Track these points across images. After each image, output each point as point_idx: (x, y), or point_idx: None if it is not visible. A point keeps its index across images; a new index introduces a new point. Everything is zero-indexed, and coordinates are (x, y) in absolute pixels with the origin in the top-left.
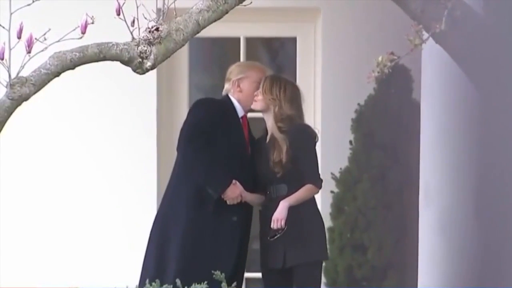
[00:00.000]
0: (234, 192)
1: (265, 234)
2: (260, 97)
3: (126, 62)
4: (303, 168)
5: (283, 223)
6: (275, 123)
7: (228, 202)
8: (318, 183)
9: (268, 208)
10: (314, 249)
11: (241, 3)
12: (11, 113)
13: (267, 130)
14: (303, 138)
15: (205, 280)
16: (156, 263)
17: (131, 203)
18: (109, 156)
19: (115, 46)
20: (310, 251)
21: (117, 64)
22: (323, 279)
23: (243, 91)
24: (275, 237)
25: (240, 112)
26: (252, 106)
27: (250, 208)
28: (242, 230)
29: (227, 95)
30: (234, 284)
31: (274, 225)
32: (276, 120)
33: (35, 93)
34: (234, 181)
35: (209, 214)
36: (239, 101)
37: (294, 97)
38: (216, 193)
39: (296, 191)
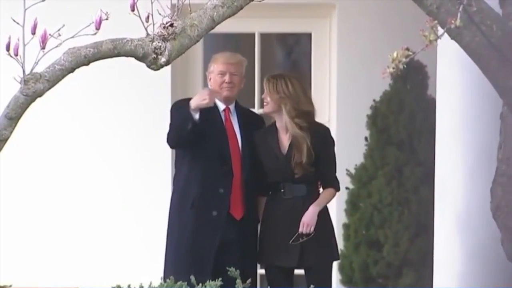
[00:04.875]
0: (202, 94)
1: (271, 231)
2: (268, 99)
3: (140, 58)
4: (325, 171)
5: (312, 229)
6: (291, 120)
7: (204, 103)
8: (338, 186)
9: (279, 207)
10: (329, 249)
11: None
12: (25, 109)
13: (273, 126)
14: (327, 141)
15: (187, 274)
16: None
17: (143, 203)
18: (121, 156)
19: (130, 42)
20: (326, 252)
21: (131, 63)
22: (339, 276)
23: (212, 85)
24: (299, 242)
25: (221, 105)
26: (263, 111)
27: (251, 205)
28: (233, 226)
29: None
30: (249, 281)
31: (304, 229)
32: (291, 117)
33: (49, 89)
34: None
35: (188, 211)
36: None
37: (304, 88)
38: (190, 118)
39: (313, 192)
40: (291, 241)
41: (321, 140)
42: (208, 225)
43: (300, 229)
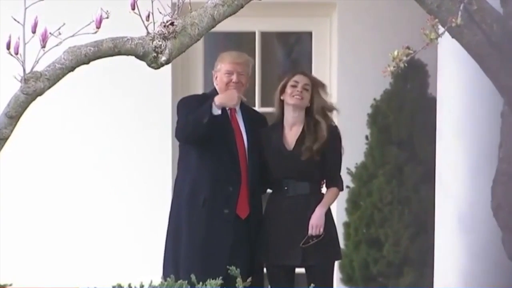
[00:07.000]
0: (232, 95)
1: (274, 230)
2: (306, 94)
3: (140, 57)
4: (331, 169)
5: (321, 230)
6: (319, 112)
7: (231, 104)
8: (342, 186)
9: (282, 205)
10: (332, 249)
11: None
12: (25, 108)
13: (277, 123)
14: (336, 139)
15: (202, 273)
16: (169, 260)
17: (143, 202)
18: (122, 155)
19: (130, 41)
20: (328, 251)
21: (131, 62)
22: (339, 275)
23: (218, 84)
24: (309, 244)
25: None
26: (295, 103)
27: (258, 205)
28: (239, 225)
29: (214, 88)
30: (249, 280)
31: (313, 231)
32: (317, 111)
33: (49, 88)
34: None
35: (200, 208)
36: (220, 93)
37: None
38: (210, 111)
39: (316, 191)
40: (301, 243)
41: (331, 137)
42: (220, 223)
43: (310, 232)
